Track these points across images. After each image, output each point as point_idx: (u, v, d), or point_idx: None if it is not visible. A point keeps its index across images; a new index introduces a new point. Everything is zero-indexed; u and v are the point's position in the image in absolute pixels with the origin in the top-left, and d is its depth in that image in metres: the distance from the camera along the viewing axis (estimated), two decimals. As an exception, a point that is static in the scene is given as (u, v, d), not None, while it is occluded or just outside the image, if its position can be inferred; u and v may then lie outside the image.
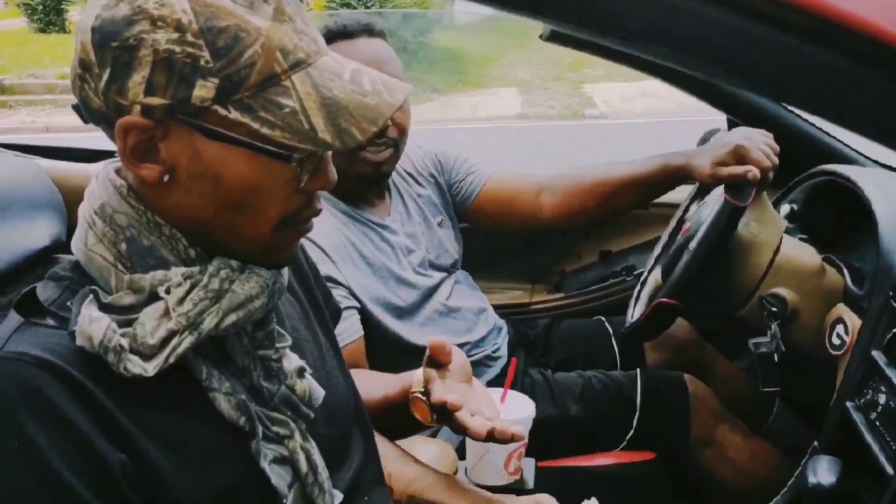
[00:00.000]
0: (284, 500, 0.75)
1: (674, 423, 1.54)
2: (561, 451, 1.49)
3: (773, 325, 1.37)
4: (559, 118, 8.93)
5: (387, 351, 1.44)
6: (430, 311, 1.54)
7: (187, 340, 0.70)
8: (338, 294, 1.36)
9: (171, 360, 0.69)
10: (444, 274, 1.62)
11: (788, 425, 1.76)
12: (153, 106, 0.68)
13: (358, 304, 1.41)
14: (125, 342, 0.68)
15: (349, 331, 1.35)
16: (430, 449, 1.28)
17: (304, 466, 0.78)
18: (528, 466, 1.26)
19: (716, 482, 1.54)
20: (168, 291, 0.71)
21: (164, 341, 0.69)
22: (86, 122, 0.74)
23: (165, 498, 0.68)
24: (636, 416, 1.54)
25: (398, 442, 1.16)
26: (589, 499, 1.03)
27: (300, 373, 0.81)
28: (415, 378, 1.01)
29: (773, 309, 1.37)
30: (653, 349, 1.78)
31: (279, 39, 0.69)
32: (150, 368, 0.68)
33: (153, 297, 0.71)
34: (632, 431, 1.54)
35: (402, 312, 1.49)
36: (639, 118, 8.36)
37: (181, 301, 0.71)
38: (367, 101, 0.70)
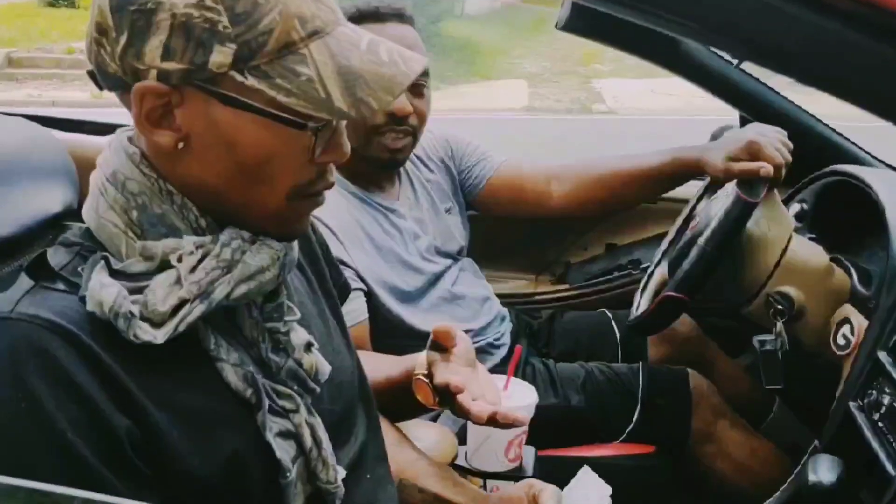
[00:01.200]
0: (288, 474, 0.75)
1: (675, 418, 1.54)
2: (561, 440, 1.49)
3: (778, 323, 1.37)
4: (566, 112, 8.90)
5: (391, 335, 1.43)
6: (435, 297, 1.54)
7: (198, 309, 0.70)
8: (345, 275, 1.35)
9: (181, 328, 0.69)
10: (450, 261, 1.62)
11: (787, 424, 1.76)
12: (170, 71, 0.67)
13: (364, 287, 1.40)
14: (135, 309, 0.68)
15: (355, 312, 1.34)
16: (430, 433, 1.28)
17: (308, 441, 0.78)
18: (528, 455, 1.26)
19: (715, 477, 1.54)
20: (180, 260, 0.71)
21: (175, 309, 0.69)
22: (101, 88, 0.73)
23: (171, 466, 0.68)
24: (637, 409, 1.54)
25: (399, 425, 1.16)
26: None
27: (307, 347, 0.81)
28: (418, 360, 1.01)
29: (780, 307, 1.38)
30: (655, 343, 1.77)
31: (297, 7, 0.68)
32: (160, 336, 0.68)
33: (164, 265, 0.71)
34: (632, 424, 1.54)
35: (407, 297, 1.48)
36: (647, 115, 8.34)
37: (193, 270, 0.71)
38: (384, 72, 0.70)
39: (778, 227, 1.42)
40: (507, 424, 0.89)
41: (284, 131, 0.70)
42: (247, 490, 0.74)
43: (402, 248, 1.51)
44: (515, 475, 1.24)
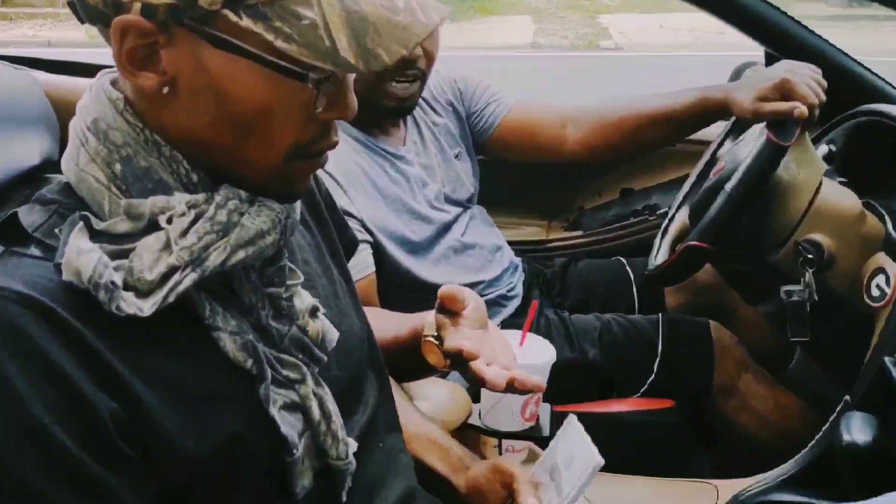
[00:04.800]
0: (294, 451, 0.69)
1: (696, 371, 1.49)
2: (577, 396, 1.44)
3: (807, 273, 1.32)
4: (573, 49, 8.69)
5: (398, 288, 1.38)
6: (444, 247, 1.48)
7: (189, 278, 0.63)
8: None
9: (171, 298, 0.63)
10: (460, 209, 1.55)
11: (808, 374, 1.72)
12: (155, 5, 0.60)
13: (370, 239, 1.35)
14: (118, 277, 0.61)
15: (361, 265, 1.29)
16: (441, 391, 1.22)
17: (316, 414, 0.72)
18: (545, 412, 1.20)
19: (736, 432, 1.50)
20: (170, 221, 0.64)
21: (164, 277, 0.63)
22: (82, 21, 0.66)
23: (162, 448, 0.63)
24: (657, 362, 1.49)
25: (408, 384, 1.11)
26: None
27: (313, 312, 0.75)
28: (427, 320, 0.94)
29: (809, 255, 1.31)
30: (673, 292, 1.72)
31: None
32: (147, 307, 0.61)
33: (153, 226, 0.64)
34: (651, 378, 1.49)
35: (415, 248, 1.43)
36: (657, 51, 8.14)
37: (184, 233, 0.64)
38: (399, 20, 0.62)
39: (808, 170, 1.34)
40: (525, 391, 0.83)
41: (282, 82, 0.62)
42: (248, 470, 0.68)
43: (410, 197, 1.45)
44: (532, 434, 1.19)
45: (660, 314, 1.58)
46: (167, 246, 0.63)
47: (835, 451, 1.13)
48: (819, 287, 1.31)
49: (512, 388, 0.82)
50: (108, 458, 0.60)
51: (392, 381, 1.05)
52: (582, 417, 1.42)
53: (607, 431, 1.42)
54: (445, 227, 1.49)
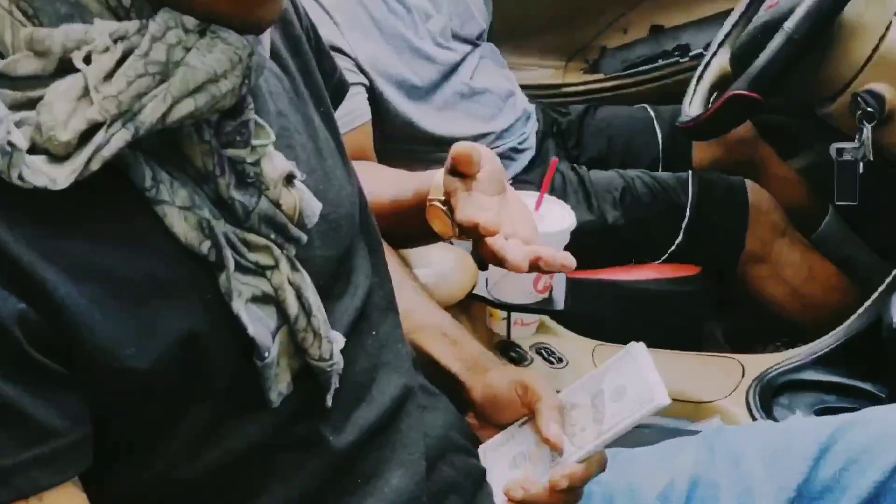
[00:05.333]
0: (266, 354, 0.56)
1: (727, 236, 1.39)
2: (595, 261, 1.34)
3: (865, 128, 1.18)
4: None
5: (396, 140, 1.28)
6: (450, 91, 1.35)
7: (118, 137, 0.48)
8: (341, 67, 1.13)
9: (95, 165, 0.47)
10: (469, 47, 1.40)
11: (840, 237, 1.63)
12: None
13: (366, 81, 1.22)
14: (20, 137, 0.46)
15: (354, 113, 1.17)
16: (445, 258, 1.10)
17: (293, 307, 0.58)
18: (559, 283, 1.08)
19: (764, 302, 1.41)
20: (88, 60, 0.48)
21: (83, 136, 0.47)
22: None
23: (93, 357, 0.49)
24: (683, 225, 1.38)
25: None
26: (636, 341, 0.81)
27: (288, 180, 0.59)
28: (433, 181, 0.79)
29: (868, 108, 1.17)
30: (702, 145, 1.58)
31: None
32: (62, 178, 0.47)
33: (66, 66, 0.48)
34: (677, 241, 1.38)
35: (417, 93, 1.30)
36: None
37: (108, 76, 0.48)
38: None
39: (876, 9, 1.18)
40: (552, 271, 0.70)
41: None
42: (207, 379, 0.55)
43: (412, 32, 1.30)
44: (544, 307, 1.07)
45: (689, 172, 1.45)
46: (86, 93, 0.48)
47: (883, 331, 1.03)
48: (876, 144, 1.18)
49: (536, 267, 0.69)
50: (15, 374, 0.47)
51: (390, 250, 0.91)
52: (599, 286, 1.34)
53: (626, 302, 1.34)
54: (452, 69, 1.35)
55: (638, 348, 0.72)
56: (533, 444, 0.74)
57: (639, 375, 0.70)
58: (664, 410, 0.67)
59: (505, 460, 0.75)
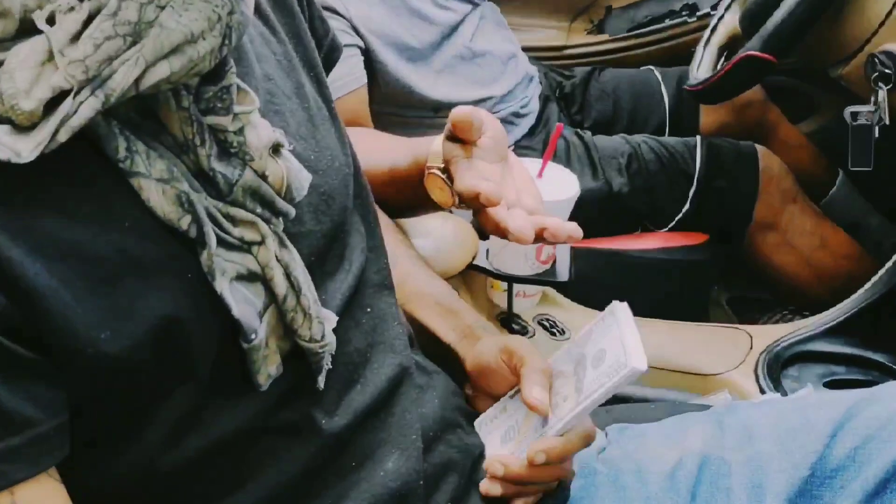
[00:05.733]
0: (252, 336, 0.53)
1: (736, 203, 1.35)
2: (600, 230, 1.30)
3: (880, 90, 1.14)
4: None
5: (392, 105, 1.24)
6: (448, 54, 1.31)
7: (87, 105, 0.44)
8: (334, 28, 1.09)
9: (63, 136, 0.44)
10: (469, 6, 1.36)
11: (850, 202, 1.60)
12: None
13: (361, 43, 1.18)
14: None
15: (348, 77, 1.14)
16: (444, 227, 1.06)
17: (281, 286, 0.55)
18: (563, 253, 1.05)
19: (773, 271, 1.38)
20: (52, 21, 0.44)
21: (49, 105, 0.44)
22: None
23: (66, 343, 0.46)
24: (691, 192, 1.34)
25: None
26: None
27: (275, 149, 0.56)
28: (432, 148, 0.75)
29: (885, 70, 1.13)
30: (710, 109, 1.55)
31: None
32: (26, 150, 0.43)
33: (28, 27, 0.44)
34: (685, 209, 1.35)
35: (415, 55, 1.26)
36: None
37: (74, 38, 0.44)
38: None
39: None
40: (559, 242, 0.66)
41: None
42: (189, 363, 0.52)
43: None
44: (547, 278, 1.04)
45: (698, 137, 1.41)
46: (50, 58, 0.44)
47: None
48: (892, 108, 1.15)
49: (541, 238, 0.65)
50: None
51: (386, 220, 0.88)
52: (604, 256, 1.31)
53: (632, 271, 1.31)
54: (451, 30, 1.31)
55: (619, 307, 0.68)
56: (522, 416, 0.70)
57: (618, 338, 0.65)
58: (641, 375, 0.62)
59: (497, 434, 0.72)
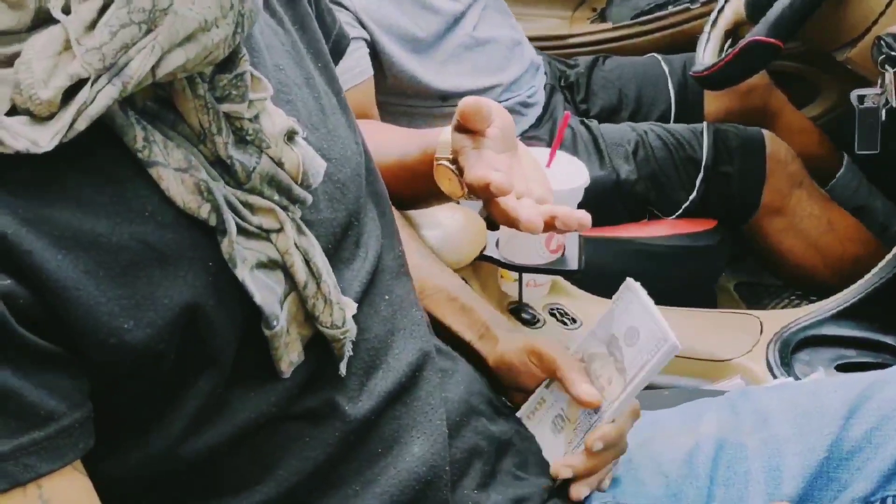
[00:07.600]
0: (274, 323, 0.53)
1: (743, 189, 1.35)
2: (608, 218, 1.30)
3: (887, 73, 1.14)
4: None
5: (398, 95, 1.25)
6: (453, 43, 1.30)
7: (104, 93, 0.44)
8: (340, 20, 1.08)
9: (81, 125, 0.44)
10: None
11: (855, 186, 1.60)
12: None
13: (366, 35, 1.17)
14: None
15: (355, 69, 1.13)
16: (454, 218, 1.06)
17: (301, 273, 0.55)
18: (572, 242, 1.04)
19: (781, 255, 1.38)
20: (67, 10, 0.44)
21: (67, 94, 0.44)
22: None
23: (86, 333, 0.46)
24: (699, 179, 1.34)
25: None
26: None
27: (290, 137, 0.56)
28: (440, 139, 0.75)
29: (893, 52, 1.12)
30: (714, 95, 1.53)
31: None
32: (45, 140, 0.43)
33: (43, 16, 0.44)
34: (692, 195, 1.35)
35: (420, 46, 1.25)
36: None
37: (90, 27, 0.44)
38: None
39: None
40: (570, 230, 0.66)
41: None
42: (211, 351, 0.52)
43: None
44: (557, 268, 1.03)
45: (704, 123, 1.41)
46: (67, 47, 0.44)
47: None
48: None
49: (551, 227, 0.65)
50: (4, 355, 0.44)
51: (395, 212, 0.88)
52: (613, 244, 1.31)
53: (641, 258, 1.31)
54: (455, 20, 1.31)
55: (634, 284, 0.70)
56: (565, 403, 0.73)
57: (647, 315, 0.67)
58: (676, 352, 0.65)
59: (546, 425, 0.74)
